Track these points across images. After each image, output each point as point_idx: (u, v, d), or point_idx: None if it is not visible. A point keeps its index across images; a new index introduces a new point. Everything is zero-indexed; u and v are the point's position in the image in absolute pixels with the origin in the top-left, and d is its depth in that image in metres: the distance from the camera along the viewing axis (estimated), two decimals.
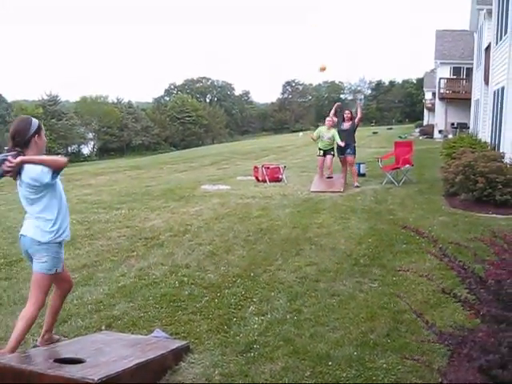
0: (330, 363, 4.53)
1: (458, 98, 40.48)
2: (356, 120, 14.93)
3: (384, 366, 4.47)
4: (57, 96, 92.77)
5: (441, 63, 44.54)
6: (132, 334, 5.25)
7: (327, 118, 15.47)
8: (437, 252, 3.65)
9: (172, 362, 4.56)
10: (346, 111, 15.29)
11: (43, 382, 3.80)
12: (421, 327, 4.99)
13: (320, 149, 15.15)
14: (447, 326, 4.63)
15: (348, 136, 14.67)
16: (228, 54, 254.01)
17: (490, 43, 21.66)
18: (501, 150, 15.33)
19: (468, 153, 12.75)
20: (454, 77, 43.50)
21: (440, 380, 4.07)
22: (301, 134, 75.12)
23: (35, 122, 4.72)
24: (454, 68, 44.02)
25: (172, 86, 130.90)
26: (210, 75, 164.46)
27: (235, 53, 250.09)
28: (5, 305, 6.09)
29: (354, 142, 14.84)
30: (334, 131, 15.01)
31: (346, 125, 14.79)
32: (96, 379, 3.67)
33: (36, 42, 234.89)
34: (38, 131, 4.67)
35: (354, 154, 14.86)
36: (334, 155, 15.16)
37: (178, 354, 4.68)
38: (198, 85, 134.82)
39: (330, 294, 6.21)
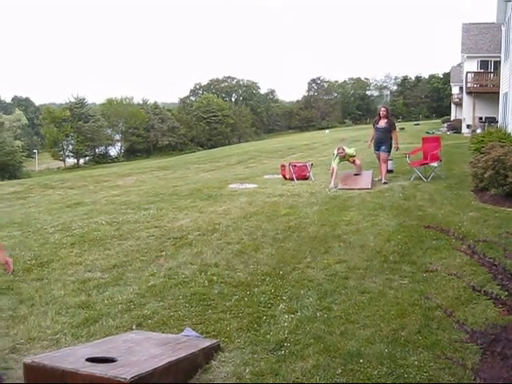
0: (361, 361, 4.51)
1: (486, 92, 40.04)
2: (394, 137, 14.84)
3: (416, 363, 4.44)
4: (83, 98, 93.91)
5: (468, 57, 44.11)
6: (162, 333, 5.28)
7: (338, 149, 15.11)
8: (466, 249, 3.60)
9: (203, 361, 4.58)
10: (382, 108, 15.15)
11: (76, 381, 3.85)
12: (452, 324, 4.95)
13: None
14: (479, 323, 4.60)
15: (384, 134, 14.66)
16: (253, 53, 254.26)
17: None
18: None
19: (497, 147, 12.59)
20: (482, 70, 43.03)
21: (473, 378, 4.04)
22: (327, 131, 75.07)
23: None
24: (481, 61, 43.56)
25: (197, 86, 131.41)
26: (235, 74, 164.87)
27: (260, 51, 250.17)
28: (37, 305, 6.15)
29: (390, 140, 14.73)
30: (349, 151, 14.86)
31: (382, 123, 14.68)
32: (128, 378, 3.70)
33: (62, 45, 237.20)
34: None
35: (389, 151, 14.77)
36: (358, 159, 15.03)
37: (209, 353, 4.70)
38: (223, 84, 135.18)
39: (359, 292, 6.18)
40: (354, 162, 14.87)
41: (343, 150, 15.00)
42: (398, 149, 15.10)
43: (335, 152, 15.02)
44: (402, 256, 7.48)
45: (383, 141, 14.59)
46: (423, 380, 4.18)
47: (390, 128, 14.70)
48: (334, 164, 14.63)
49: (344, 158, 14.84)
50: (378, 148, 14.73)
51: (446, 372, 4.27)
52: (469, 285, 3.65)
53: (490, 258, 3.53)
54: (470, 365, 4.18)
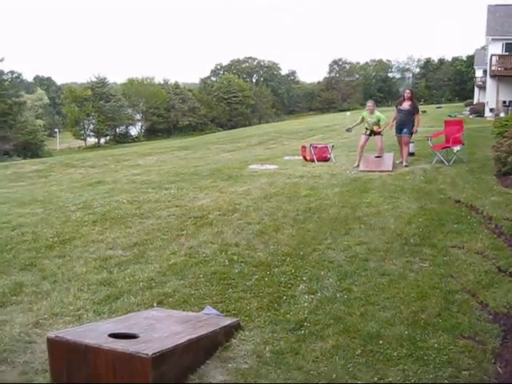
0: (380, 342, 4.53)
1: (511, 76, 39.50)
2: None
3: (435, 345, 4.45)
4: (105, 78, 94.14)
5: (492, 39, 43.51)
6: (183, 311, 5.33)
7: (367, 103, 15.34)
8: (494, 228, 3.59)
9: (223, 339, 4.62)
10: (407, 90, 14.99)
11: (99, 356, 3.91)
12: (473, 307, 4.96)
13: (366, 128, 14.96)
14: (500, 307, 4.57)
15: (406, 116, 14.46)
16: (274, 34, 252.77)
17: None
18: None
19: None
20: (507, 53, 42.42)
21: (493, 361, 4.04)
22: (348, 113, 74.53)
23: None
24: (506, 44, 42.96)
25: (218, 67, 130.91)
26: (256, 55, 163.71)
27: (281, 32, 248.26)
28: (59, 282, 6.22)
29: (413, 123, 14.59)
30: (379, 114, 14.86)
31: (406, 105, 14.52)
32: (150, 354, 3.75)
33: (84, 24, 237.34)
34: None
35: (411, 134, 14.64)
36: (382, 135, 14.94)
37: (229, 331, 4.74)
38: (244, 65, 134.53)
39: (379, 274, 6.19)
40: (379, 133, 14.81)
41: (373, 105, 15.10)
42: (416, 131, 14.95)
43: (364, 111, 15.21)
44: (423, 239, 7.46)
45: (405, 123, 14.45)
46: (443, 362, 4.19)
47: (413, 111, 14.55)
48: (363, 129, 15.00)
49: (372, 116, 14.86)
50: (399, 131, 14.60)
51: (466, 355, 4.28)
52: (493, 266, 3.65)
53: None
54: (490, 348, 4.17)
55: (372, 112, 14.87)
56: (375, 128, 14.71)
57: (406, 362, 4.22)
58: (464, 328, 4.72)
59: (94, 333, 4.28)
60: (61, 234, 8.24)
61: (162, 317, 4.90)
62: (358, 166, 14.27)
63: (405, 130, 14.42)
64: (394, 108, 15.05)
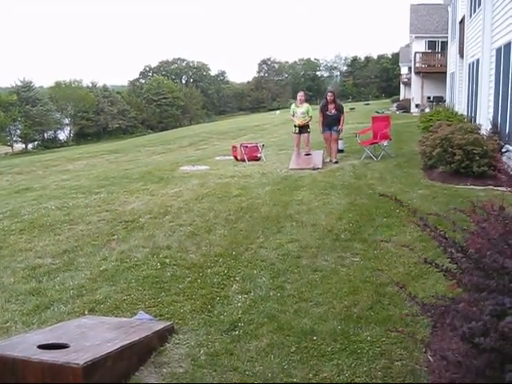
0: (314, 338, 4.56)
1: (434, 72, 40.62)
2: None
3: (368, 338, 4.51)
4: (30, 82, 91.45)
5: (416, 37, 44.68)
6: (116, 317, 5.24)
7: (299, 93, 15.63)
8: (419, 222, 3.66)
9: (157, 344, 4.55)
10: (329, 94, 15.08)
11: (28, 369, 3.78)
12: (403, 299, 5.04)
13: (295, 126, 15.18)
14: (429, 297, 4.66)
15: (335, 120, 14.79)
16: (202, 34, 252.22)
17: (463, 16, 21.72)
18: (477, 122, 15.42)
19: (444, 126, 12.81)
20: (430, 51, 43.66)
21: (424, 350, 4.12)
22: (278, 112, 75.12)
23: None
24: (429, 42, 44.20)
25: (147, 68, 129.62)
26: (185, 56, 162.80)
27: (209, 33, 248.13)
28: None
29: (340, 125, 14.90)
30: (307, 106, 15.11)
31: (331, 109, 14.74)
32: (81, 363, 3.65)
33: (6, 27, 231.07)
34: None
35: (339, 132, 14.92)
36: (309, 132, 15.16)
37: (163, 335, 4.68)
38: (173, 66, 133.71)
39: (312, 270, 6.23)
40: (306, 130, 15.09)
41: (303, 95, 15.47)
42: (342, 130, 15.22)
43: (292, 102, 15.40)
44: (354, 234, 7.56)
45: (334, 123, 14.74)
46: (376, 354, 4.24)
47: (340, 113, 14.83)
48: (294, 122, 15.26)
49: (301, 107, 15.08)
50: (329, 128, 14.82)
51: (398, 346, 4.35)
52: (421, 258, 3.71)
53: (441, 231, 3.59)
54: (420, 338, 4.26)
55: (301, 102, 15.11)
56: (301, 120, 14.89)
57: (340, 357, 4.25)
58: (396, 320, 4.80)
59: (23, 345, 4.15)
60: None
61: (94, 324, 4.80)
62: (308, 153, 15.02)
63: (334, 127, 14.67)
64: (319, 111, 15.14)
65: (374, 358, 4.21)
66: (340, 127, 14.86)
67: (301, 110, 14.97)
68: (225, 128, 43.19)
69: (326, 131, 14.92)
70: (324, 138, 15.20)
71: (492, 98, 14.13)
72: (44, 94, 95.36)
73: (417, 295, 3.76)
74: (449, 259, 3.50)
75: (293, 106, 15.49)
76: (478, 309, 3.08)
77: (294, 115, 15.17)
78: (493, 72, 14.15)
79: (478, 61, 16.68)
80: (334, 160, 14.43)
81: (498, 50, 13.41)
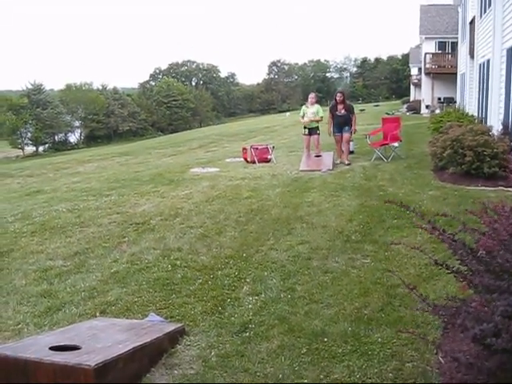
0: (325, 339, 4.56)
1: (444, 73, 40.47)
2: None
3: (379, 340, 4.50)
4: (41, 85, 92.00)
5: (426, 38, 44.54)
6: (127, 319, 5.26)
7: (310, 95, 15.62)
8: (426, 225, 3.66)
9: (168, 345, 4.57)
10: (338, 94, 15.03)
11: (40, 370, 3.80)
12: (414, 301, 5.02)
13: (305, 127, 15.19)
14: (440, 299, 4.65)
15: (344, 119, 14.75)
16: (212, 37, 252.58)
17: (474, 17, 21.64)
18: (488, 123, 15.38)
19: (455, 127, 12.77)
20: (440, 51, 43.52)
21: (435, 351, 4.12)
22: (288, 113, 75.09)
23: None
24: (439, 43, 44.06)
25: (157, 71, 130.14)
26: (195, 58, 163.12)
27: (219, 35, 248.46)
28: None
29: (351, 121, 14.83)
30: (318, 106, 15.11)
31: (341, 109, 14.73)
32: (93, 365, 3.67)
33: (18, 30, 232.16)
34: None
35: (352, 133, 14.89)
36: (319, 133, 15.16)
37: (174, 337, 4.69)
38: (183, 68, 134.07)
39: (322, 272, 6.23)
40: (316, 132, 15.13)
41: (315, 96, 15.55)
42: (355, 131, 15.20)
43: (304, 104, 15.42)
44: (364, 235, 7.55)
45: (345, 124, 14.72)
46: (387, 356, 4.24)
47: (349, 113, 14.80)
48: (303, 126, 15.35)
49: (311, 108, 15.06)
50: (340, 130, 14.79)
51: (409, 347, 4.34)
52: (432, 259, 3.71)
53: (450, 234, 3.59)
54: (431, 339, 4.25)
55: (312, 104, 15.12)
56: (311, 119, 14.90)
57: (351, 358, 4.25)
58: (407, 321, 4.80)
59: (35, 346, 4.17)
60: None
61: (105, 326, 4.82)
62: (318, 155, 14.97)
63: (346, 127, 14.64)
64: (328, 112, 15.11)
65: (384, 359, 4.20)
66: (353, 128, 14.82)
67: (311, 111, 14.99)
68: (235, 130, 43.23)
69: (337, 133, 14.88)
70: (335, 140, 15.16)
71: (503, 98, 14.09)
72: (54, 96, 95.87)
73: (428, 297, 3.76)
74: (458, 261, 3.50)
75: (303, 107, 15.48)
76: (489, 310, 3.08)
77: (303, 116, 15.16)
78: (503, 72, 14.10)
79: (488, 61, 16.64)
80: (347, 162, 14.37)
81: (509, 50, 13.37)
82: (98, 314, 5.41)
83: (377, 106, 73.77)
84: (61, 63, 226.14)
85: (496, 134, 12.78)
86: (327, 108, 15.70)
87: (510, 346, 2.88)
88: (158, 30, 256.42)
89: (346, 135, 14.71)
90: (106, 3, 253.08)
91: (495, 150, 10.93)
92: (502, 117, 13.83)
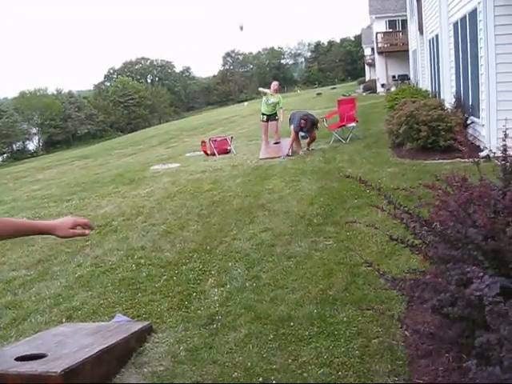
0: (291, 324, 4.59)
1: (397, 51, 40.82)
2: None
3: (345, 319, 4.54)
4: None
5: (376, 18, 44.93)
6: (93, 322, 5.22)
7: (273, 83, 15.60)
8: (382, 205, 3.72)
9: (136, 344, 4.55)
10: (301, 121, 13.86)
11: (7, 382, 3.76)
12: (377, 277, 5.08)
13: (263, 114, 15.21)
14: (403, 273, 4.72)
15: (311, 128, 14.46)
16: (163, 32, 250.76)
17: None
18: (441, 97, 15.57)
19: (409, 103, 12.91)
20: (390, 30, 43.93)
21: (400, 326, 4.17)
22: (246, 103, 75.06)
23: None
24: (389, 21, 44.49)
25: (111, 71, 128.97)
26: (149, 55, 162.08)
27: (170, 30, 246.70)
28: None
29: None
30: (280, 97, 15.13)
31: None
32: (59, 371, 3.64)
33: None
34: None
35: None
36: (277, 120, 15.19)
37: (141, 336, 4.68)
38: (137, 66, 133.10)
39: (286, 257, 6.26)
40: (274, 118, 15.06)
41: (278, 85, 15.68)
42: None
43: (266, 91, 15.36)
44: (326, 218, 7.60)
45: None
46: (353, 334, 4.28)
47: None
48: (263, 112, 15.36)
49: (274, 96, 15.14)
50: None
51: (374, 324, 4.39)
52: (387, 235, 3.76)
53: (405, 207, 3.63)
54: (396, 314, 4.30)
55: (275, 92, 15.12)
56: (271, 110, 14.92)
57: (318, 340, 4.29)
58: (371, 298, 4.85)
59: (0, 358, 4.12)
60: None
61: (71, 332, 4.77)
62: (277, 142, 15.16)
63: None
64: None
65: (351, 337, 4.25)
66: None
67: (273, 100, 15.00)
68: (194, 124, 43.01)
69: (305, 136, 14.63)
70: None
71: (453, 71, 14.24)
72: (8, 105, 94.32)
73: (391, 272, 3.81)
74: (412, 235, 3.55)
75: (268, 91, 15.43)
76: (444, 279, 3.13)
77: (265, 95, 15.13)
78: (452, 46, 14.25)
79: (437, 36, 16.81)
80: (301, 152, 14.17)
81: (455, 25, 13.51)
82: (64, 321, 5.36)
83: (334, 88, 74.17)
84: (12, 70, 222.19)
85: (449, 106, 12.95)
86: (286, 95, 15.68)
87: (467, 313, 2.93)
88: (108, 30, 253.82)
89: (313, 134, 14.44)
90: (49, 4, 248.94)
91: (449, 124, 11.07)
92: (454, 90, 13.99)
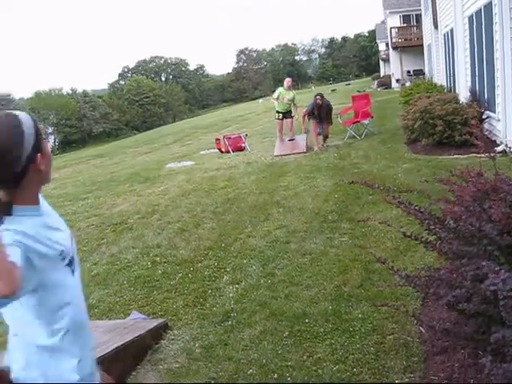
0: (306, 321, 4.59)
1: (411, 46, 40.50)
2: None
3: (360, 316, 4.54)
4: (9, 94, 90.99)
5: (390, 13, 44.59)
6: (109, 319, 5.25)
7: (286, 79, 15.53)
8: (391, 199, 3.70)
9: (152, 342, 4.57)
10: (317, 96, 14.32)
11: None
12: (392, 274, 5.07)
13: (278, 112, 15.16)
14: (418, 269, 4.70)
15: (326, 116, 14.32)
16: (177, 30, 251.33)
17: None
18: (456, 92, 15.47)
19: (423, 98, 12.84)
20: (405, 25, 43.53)
21: (416, 322, 4.16)
22: (260, 100, 74.96)
23: (28, 123, 2.04)
24: (403, 16, 44.12)
25: (125, 69, 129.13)
26: (163, 53, 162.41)
27: (184, 27, 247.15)
28: None
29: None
30: (294, 93, 15.07)
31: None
32: None
33: None
34: (37, 147, 2.01)
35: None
36: (293, 117, 15.14)
37: (157, 333, 4.70)
38: (151, 65, 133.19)
39: (301, 254, 6.26)
40: (290, 115, 15.11)
41: (291, 81, 15.48)
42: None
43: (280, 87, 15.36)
44: (341, 214, 7.58)
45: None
46: (368, 331, 4.27)
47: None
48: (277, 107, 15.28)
49: (289, 93, 15.06)
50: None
51: (390, 320, 4.38)
52: (400, 232, 3.74)
53: (417, 206, 3.61)
54: (411, 311, 4.29)
55: (289, 88, 15.07)
56: (286, 107, 14.88)
57: (333, 336, 4.28)
58: (386, 295, 4.83)
59: None
60: None
61: None
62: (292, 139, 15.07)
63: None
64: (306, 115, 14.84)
65: (366, 334, 4.24)
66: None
67: (287, 97, 14.93)
68: (208, 121, 43.07)
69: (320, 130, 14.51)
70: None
71: (469, 66, 14.13)
72: (24, 105, 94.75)
73: (406, 269, 3.79)
74: (426, 231, 3.53)
75: (281, 89, 15.33)
76: (459, 275, 3.11)
77: (278, 98, 15.06)
78: (467, 40, 14.14)
79: (451, 30, 16.68)
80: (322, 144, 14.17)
81: (470, 18, 13.41)
82: None
83: (348, 84, 73.89)
84: (27, 71, 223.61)
85: (465, 100, 12.86)
86: (300, 91, 15.64)
87: (483, 308, 2.92)
88: (122, 29, 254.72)
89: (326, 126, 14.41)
90: (64, 4, 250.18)
91: (465, 116, 10.99)
92: (469, 84, 13.89)
